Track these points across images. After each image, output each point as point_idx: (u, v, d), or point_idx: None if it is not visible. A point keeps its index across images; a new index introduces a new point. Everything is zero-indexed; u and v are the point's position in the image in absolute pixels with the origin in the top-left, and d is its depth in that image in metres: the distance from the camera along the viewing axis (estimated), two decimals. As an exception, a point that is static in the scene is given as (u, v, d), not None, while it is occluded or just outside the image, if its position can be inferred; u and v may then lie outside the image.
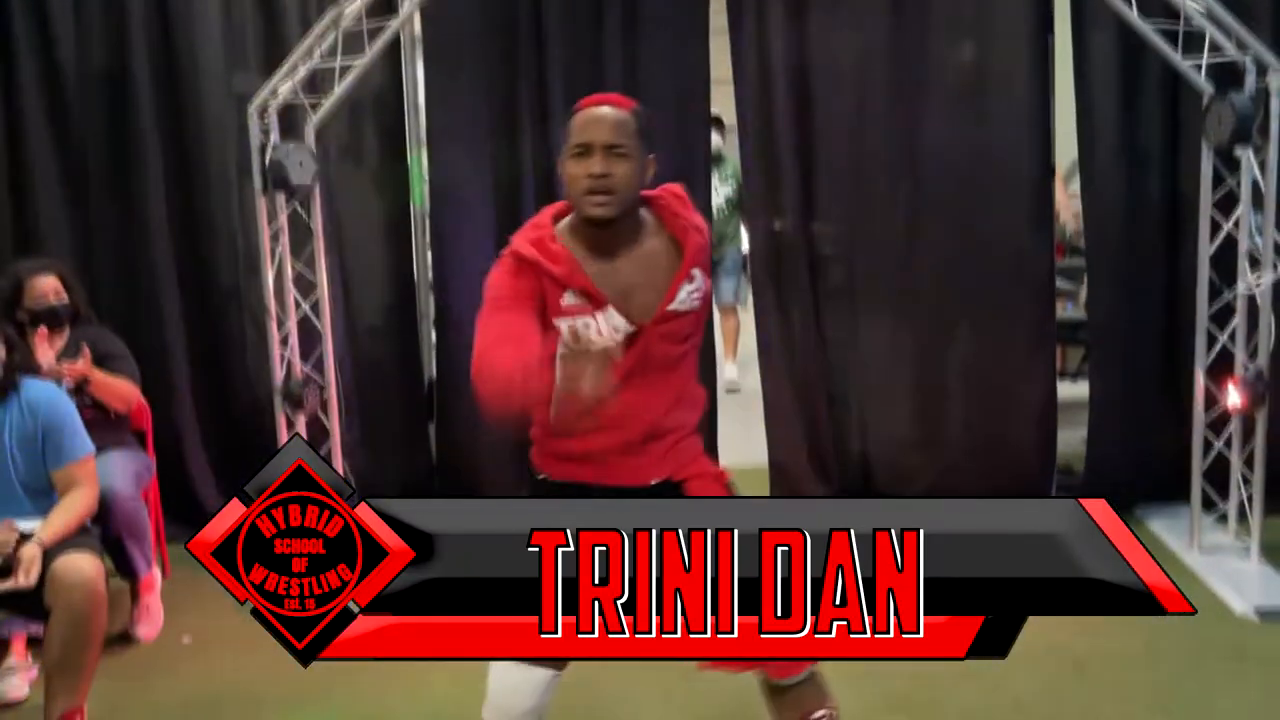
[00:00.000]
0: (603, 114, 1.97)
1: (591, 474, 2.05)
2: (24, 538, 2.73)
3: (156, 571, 3.60)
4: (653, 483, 2.05)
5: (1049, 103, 4.18)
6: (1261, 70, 3.60)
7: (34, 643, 3.12)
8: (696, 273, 2.04)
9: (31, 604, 2.74)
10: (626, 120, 1.98)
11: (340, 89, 3.83)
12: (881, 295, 4.34)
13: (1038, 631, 3.34)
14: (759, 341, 4.40)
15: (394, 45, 4.05)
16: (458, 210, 4.37)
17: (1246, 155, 3.65)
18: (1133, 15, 3.63)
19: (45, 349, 3.44)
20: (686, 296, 2.03)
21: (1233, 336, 3.78)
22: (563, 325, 1.97)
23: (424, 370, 4.54)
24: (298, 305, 4.06)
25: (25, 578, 2.65)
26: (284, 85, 3.85)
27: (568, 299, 1.98)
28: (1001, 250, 4.25)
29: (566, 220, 2.05)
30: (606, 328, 1.97)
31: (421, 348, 4.53)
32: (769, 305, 4.38)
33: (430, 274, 4.56)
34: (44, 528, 2.77)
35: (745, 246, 5.18)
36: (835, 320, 4.36)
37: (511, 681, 2.05)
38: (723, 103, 4.36)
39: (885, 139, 4.26)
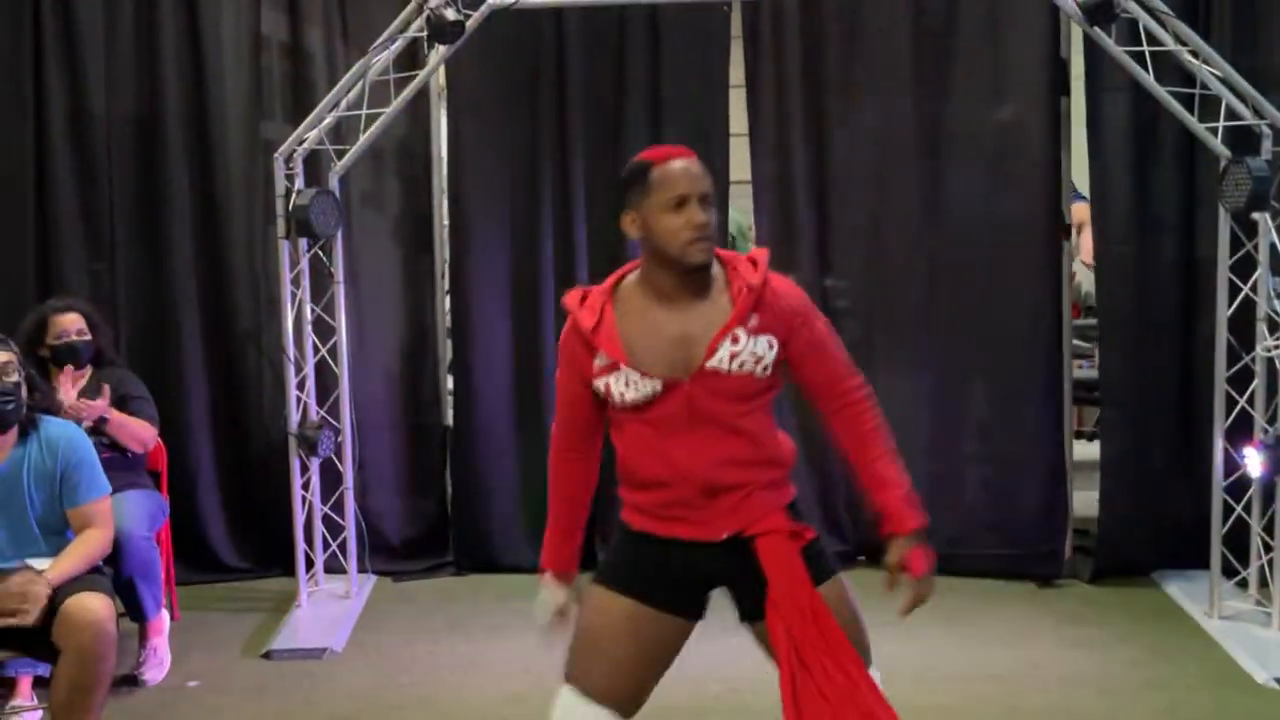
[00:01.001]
0: (690, 166, 2.05)
1: (665, 528, 2.08)
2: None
3: (165, 614, 3.58)
4: (724, 536, 2.05)
5: (1062, 164, 4.21)
6: (1278, 136, 3.62)
7: (40, 682, 3.10)
8: (741, 333, 2.02)
9: (40, 644, 2.72)
10: (705, 171, 2.07)
11: (364, 138, 3.89)
12: (896, 352, 4.33)
13: (1057, 696, 3.32)
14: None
15: (419, 96, 4.11)
16: (477, 258, 4.40)
17: (1264, 219, 3.65)
18: (1150, 80, 3.66)
19: (67, 387, 3.46)
20: (727, 356, 2.00)
21: (1251, 400, 3.76)
22: (599, 385, 2.05)
23: (439, 416, 4.53)
24: (315, 349, 4.09)
25: (28, 618, 2.64)
26: (310, 133, 3.91)
27: (598, 360, 2.05)
28: (1015, 309, 4.25)
29: (635, 275, 2.10)
30: (630, 386, 2.01)
31: (439, 393, 4.54)
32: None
33: (448, 320, 4.58)
34: (53, 566, 2.76)
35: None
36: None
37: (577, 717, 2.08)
38: (739, 155, 4.40)
39: (901, 197, 4.28)
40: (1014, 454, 4.29)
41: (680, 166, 2.04)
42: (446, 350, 4.56)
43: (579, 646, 2.10)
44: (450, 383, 4.57)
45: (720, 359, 2.01)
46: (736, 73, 4.34)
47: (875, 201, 4.31)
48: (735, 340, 2.01)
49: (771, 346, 2.04)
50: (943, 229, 4.26)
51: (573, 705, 2.07)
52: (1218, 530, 3.81)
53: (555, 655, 2.15)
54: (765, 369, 2.04)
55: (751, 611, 2.07)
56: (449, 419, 4.55)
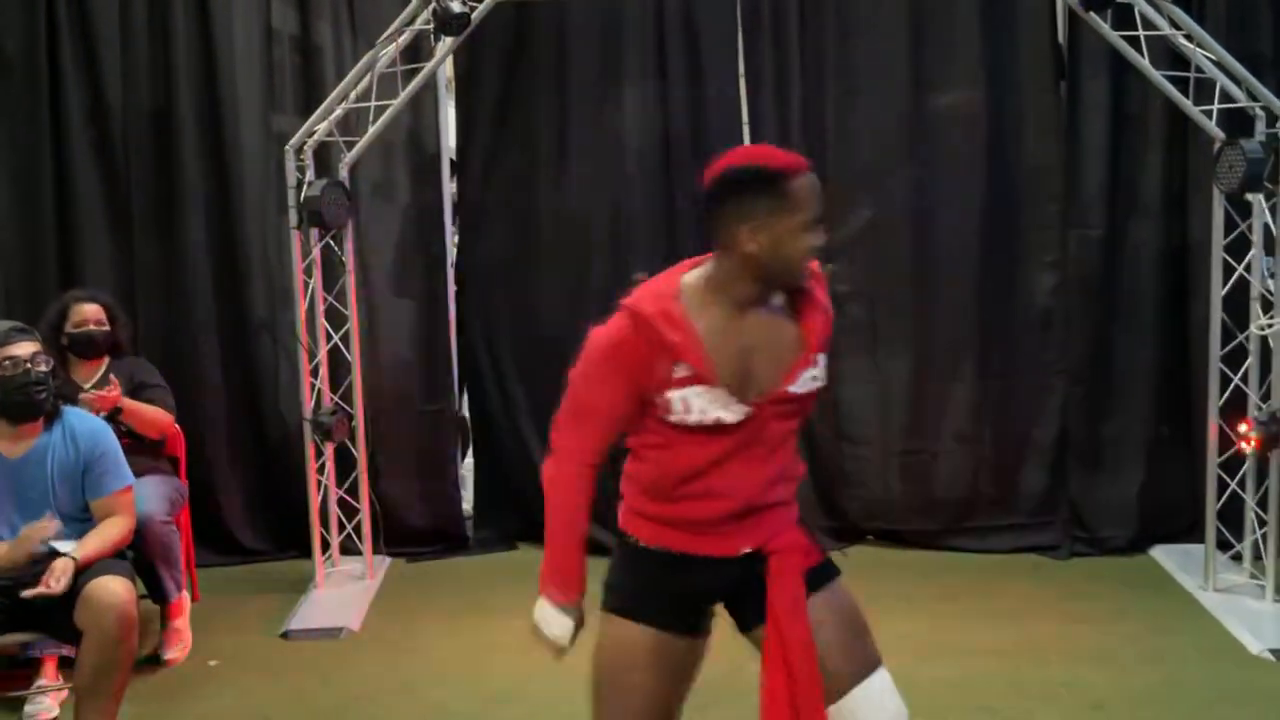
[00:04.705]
0: (816, 183, 1.85)
1: (682, 542, 1.94)
2: (55, 554, 2.73)
3: (186, 595, 3.57)
4: (743, 552, 1.94)
5: (1059, 149, 4.16)
6: (1271, 119, 3.58)
7: (65, 663, 3.10)
8: (820, 358, 1.91)
9: (63, 626, 2.72)
10: None
11: (373, 129, 3.85)
12: (899, 335, 4.30)
13: (1057, 669, 3.30)
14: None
15: (426, 87, 4.07)
16: (482, 246, 4.38)
17: (1258, 200, 3.61)
18: (1145, 64, 3.61)
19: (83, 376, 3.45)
20: (807, 380, 1.89)
21: (1245, 378, 3.73)
22: (673, 397, 1.84)
23: (450, 401, 4.51)
24: (328, 337, 4.06)
25: (55, 584, 2.63)
26: (320, 125, 3.87)
27: (679, 370, 1.84)
28: (1016, 291, 4.22)
29: (699, 279, 1.88)
30: (716, 406, 1.84)
31: (450, 379, 4.51)
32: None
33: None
34: (80, 546, 2.76)
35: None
36: (848, 358, 4.32)
37: None
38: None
39: (902, 183, 4.24)
40: (1014, 433, 4.26)
41: (813, 184, 1.84)
42: (452, 338, 4.53)
43: (606, 686, 1.96)
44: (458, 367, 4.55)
45: (800, 383, 1.89)
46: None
47: (876, 188, 4.26)
48: (815, 364, 1.90)
49: (825, 362, 1.93)
50: (943, 215, 4.21)
51: None
52: (1212, 505, 3.79)
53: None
54: (816, 387, 1.93)
55: (752, 621, 1.98)
56: (459, 404, 4.53)
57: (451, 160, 4.44)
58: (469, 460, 4.60)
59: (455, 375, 4.51)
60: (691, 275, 1.89)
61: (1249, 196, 3.61)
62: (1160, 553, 4.15)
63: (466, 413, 4.57)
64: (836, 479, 4.36)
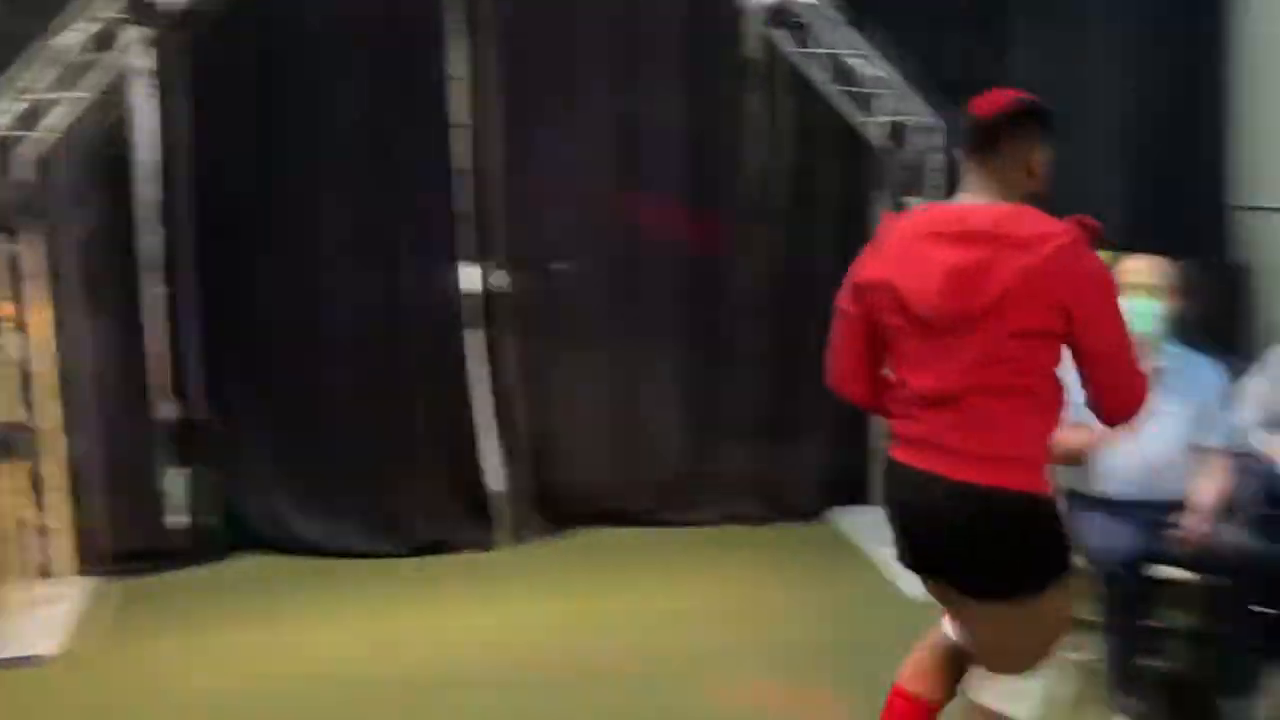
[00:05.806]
0: None
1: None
2: None
3: None
4: None
5: (754, 157, 4.38)
6: (926, 130, 3.97)
7: None
8: None
9: None
10: None
11: (50, 119, 3.54)
12: (608, 329, 4.42)
13: (760, 628, 3.47)
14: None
15: (123, 80, 3.76)
16: (204, 246, 4.09)
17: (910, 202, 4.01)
18: (822, 77, 3.95)
19: None
20: None
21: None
22: None
23: (157, 409, 4.18)
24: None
25: None
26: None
27: None
28: (721, 287, 4.44)
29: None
30: None
31: (155, 387, 4.19)
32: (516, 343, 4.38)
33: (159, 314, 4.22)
34: None
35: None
36: (561, 350, 4.39)
37: None
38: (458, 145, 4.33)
39: (612, 184, 4.37)
40: (718, 415, 4.50)
41: None
42: (159, 345, 4.22)
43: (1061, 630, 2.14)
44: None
45: None
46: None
47: (590, 189, 4.35)
48: None
49: None
50: (654, 213, 4.37)
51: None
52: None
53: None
54: None
55: None
56: (168, 411, 4.23)
57: (161, 158, 4.12)
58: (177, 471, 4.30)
59: (161, 383, 4.20)
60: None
61: (908, 199, 4.00)
62: (836, 515, 4.51)
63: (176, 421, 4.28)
64: (548, 466, 4.42)
